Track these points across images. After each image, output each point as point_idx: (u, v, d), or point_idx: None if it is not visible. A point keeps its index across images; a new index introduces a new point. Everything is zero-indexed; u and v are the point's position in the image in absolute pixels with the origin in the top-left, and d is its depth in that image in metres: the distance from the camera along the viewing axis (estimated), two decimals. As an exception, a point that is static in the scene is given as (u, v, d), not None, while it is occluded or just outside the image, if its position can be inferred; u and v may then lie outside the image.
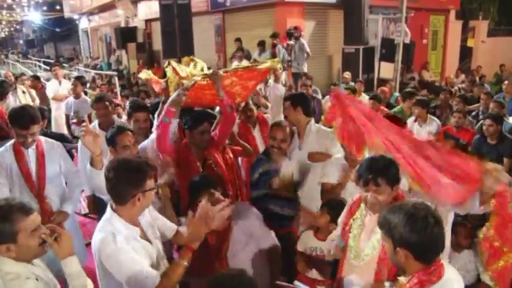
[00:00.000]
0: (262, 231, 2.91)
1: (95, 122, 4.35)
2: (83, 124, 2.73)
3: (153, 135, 3.54)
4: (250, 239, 2.83)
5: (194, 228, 2.14)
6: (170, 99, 3.33)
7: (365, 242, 2.41)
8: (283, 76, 10.11)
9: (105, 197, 2.82)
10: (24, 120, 3.15)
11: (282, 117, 3.96)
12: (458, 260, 3.68)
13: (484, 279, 3.22)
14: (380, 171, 2.29)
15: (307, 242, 3.18)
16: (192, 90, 3.52)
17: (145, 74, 4.97)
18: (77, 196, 3.71)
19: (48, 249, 2.04)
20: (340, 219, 2.67)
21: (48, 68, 13.95)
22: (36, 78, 9.69)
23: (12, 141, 3.40)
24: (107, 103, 4.41)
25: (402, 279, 1.94)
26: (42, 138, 3.50)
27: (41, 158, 3.40)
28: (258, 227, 2.89)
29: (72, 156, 4.61)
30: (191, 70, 3.84)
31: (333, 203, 3.07)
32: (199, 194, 2.71)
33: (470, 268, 3.70)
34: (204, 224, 2.12)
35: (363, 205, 2.49)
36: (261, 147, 4.28)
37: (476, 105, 7.46)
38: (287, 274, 3.26)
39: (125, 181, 2.11)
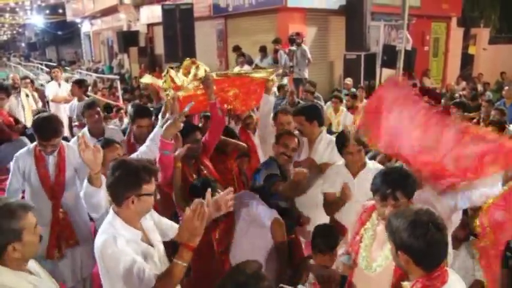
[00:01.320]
0: (264, 213, 2.96)
1: (85, 129, 4.27)
2: (80, 137, 2.54)
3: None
4: (252, 223, 2.93)
5: (189, 224, 2.10)
6: (164, 130, 3.04)
7: (377, 252, 2.38)
8: (285, 81, 10.15)
9: (96, 216, 2.78)
10: (47, 132, 3.22)
11: (271, 128, 4.01)
12: (457, 258, 3.65)
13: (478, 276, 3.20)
14: (398, 185, 2.25)
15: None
16: (186, 97, 3.55)
17: (147, 79, 4.88)
18: None
19: None
20: (350, 229, 2.64)
21: (49, 70, 14.01)
22: (30, 82, 9.71)
23: (33, 145, 3.43)
24: (98, 109, 4.37)
25: (406, 284, 1.94)
26: (64, 143, 3.50)
27: (61, 163, 3.41)
28: (261, 210, 2.97)
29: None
30: (190, 78, 3.78)
31: (319, 242, 2.91)
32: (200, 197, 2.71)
33: (469, 266, 3.66)
34: (198, 219, 2.07)
35: (374, 214, 2.45)
36: (261, 153, 4.30)
37: (476, 112, 7.46)
38: (291, 282, 3.24)
39: (120, 182, 2.14)
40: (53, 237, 3.38)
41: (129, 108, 5.41)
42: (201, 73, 3.74)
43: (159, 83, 4.07)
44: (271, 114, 4.12)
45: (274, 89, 9.69)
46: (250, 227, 3.00)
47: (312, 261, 2.95)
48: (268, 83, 3.90)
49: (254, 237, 2.96)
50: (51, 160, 3.39)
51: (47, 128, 3.22)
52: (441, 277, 1.83)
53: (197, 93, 3.74)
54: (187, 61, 3.88)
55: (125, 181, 2.13)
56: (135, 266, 2.06)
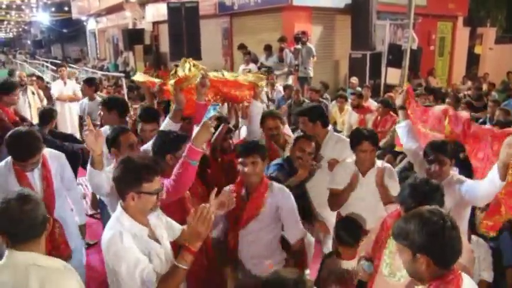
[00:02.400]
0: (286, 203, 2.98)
1: (106, 127, 4.16)
2: (85, 123, 2.69)
3: None
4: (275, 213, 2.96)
5: (193, 228, 2.11)
6: (194, 136, 2.61)
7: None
8: (290, 81, 10.14)
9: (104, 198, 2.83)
10: (22, 153, 2.93)
11: (259, 133, 3.97)
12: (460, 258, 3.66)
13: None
14: (424, 200, 2.19)
15: (336, 267, 3.06)
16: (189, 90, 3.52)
17: (140, 77, 4.65)
18: (82, 206, 3.68)
19: None
20: (372, 232, 2.65)
21: (55, 68, 14.02)
22: (39, 78, 9.74)
23: (10, 159, 3.07)
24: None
25: None
26: (46, 153, 3.23)
27: (48, 175, 3.17)
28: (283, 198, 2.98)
29: (79, 157, 4.62)
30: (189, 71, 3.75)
31: (343, 235, 3.01)
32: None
33: (474, 267, 3.67)
34: (203, 224, 2.09)
35: None
36: None
37: (482, 112, 7.44)
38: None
39: (122, 178, 2.19)
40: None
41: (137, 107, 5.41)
42: (197, 72, 3.65)
43: (155, 80, 4.04)
44: (259, 120, 4.04)
45: (290, 81, 9.79)
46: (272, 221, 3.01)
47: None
48: (257, 88, 3.83)
49: (259, 231, 2.97)
50: (36, 174, 3.12)
51: (20, 148, 2.90)
52: (455, 280, 1.81)
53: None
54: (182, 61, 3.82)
55: (126, 177, 2.18)
56: (139, 266, 2.07)
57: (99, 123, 4.47)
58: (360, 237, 2.95)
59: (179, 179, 2.61)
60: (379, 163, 3.38)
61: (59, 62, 16.10)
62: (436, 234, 1.78)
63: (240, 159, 2.94)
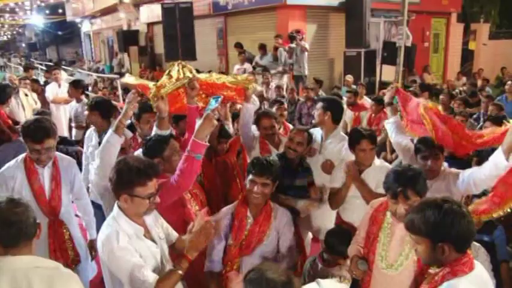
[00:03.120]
0: (287, 230, 2.90)
1: (91, 129, 4.23)
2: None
3: None
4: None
5: (195, 239, 2.24)
6: (197, 129, 2.60)
7: (395, 250, 2.41)
8: (286, 79, 10.16)
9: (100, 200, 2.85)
10: (38, 133, 2.88)
11: (253, 134, 3.99)
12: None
13: None
14: (408, 183, 2.30)
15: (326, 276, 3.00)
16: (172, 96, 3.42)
17: (131, 79, 4.42)
18: (93, 219, 3.52)
19: None
20: (361, 228, 2.67)
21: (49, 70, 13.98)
22: (34, 81, 9.70)
23: (23, 156, 3.07)
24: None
25: (433, 270, 1.98)
26: (58, 155, 3.20)
27: (57, 176, 3.10)
28: (286, 223, 2.90)
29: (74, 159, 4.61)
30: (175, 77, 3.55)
31: (331, 243, 3.03)
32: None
33: None
34: (203, 237, 2.22)
35: (388, 213, 2.48)
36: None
37: (476, 108, 7.46)
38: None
39: (116, 179, 2.20)
40: (52, 257, 2.99)
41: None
42: (187, 74, 3.50)
43: (145, 82, 3.96)
44: (252, 121, 4.04)
45: (285, 79, 9.80)
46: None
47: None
48: (247, 90, 3.74)
49: (263, 255, 2.88)
50: (46, 173, 3.06)
51: (37, 129, 2.89)
52: (469, 263, 1.85)
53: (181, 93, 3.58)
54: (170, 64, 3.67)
55: (119, 179, 2.19)
56: (134, 268, 2.09)
57: (85, 124, 4.45)
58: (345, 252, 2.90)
59: (183, 174, 2.57)
60: (377, 161, 3.40)
61: (51, 64, 16.04)
62: (458, 223, 1.83)
63: (250, 176, 2.78)
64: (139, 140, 3.92)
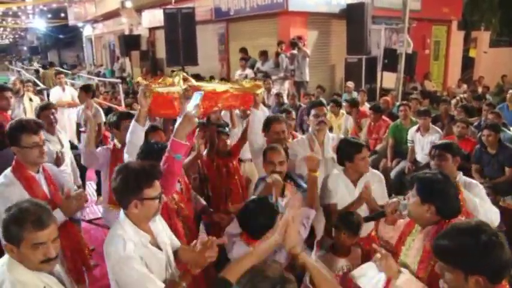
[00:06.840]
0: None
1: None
2: (82, 129, 2.86)
3: None
4: None
5: (199, 256, 2.25)
6: (176, 128, 2.51)
7: (411, 260, 2.35)
8: (287, 85, 10.20)
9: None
10: (34, 124, 2.83)
11: (260, 143, 3.74)
12: None
13: None
14: (438, 189, 2.25)
15: (330, 265, 2.96)
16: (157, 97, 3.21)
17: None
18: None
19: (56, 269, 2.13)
20: (399, 224, 2.61)
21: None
22: (33, 84, 9.75)
23: (8, 170, 2.85)
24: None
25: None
26: (46, 165, 3.08)
27: (52, 183, 3.00)
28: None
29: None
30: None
31: (346, 220, 3.01)
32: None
33: None
34: (205, 257, 2.22)
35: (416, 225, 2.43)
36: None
37: (476, 118, 7.47)
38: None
39: (123, 187, 2.17)
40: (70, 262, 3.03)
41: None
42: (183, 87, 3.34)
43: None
44: (261, 128, 3.83)
45: (286, 85, 9.80)
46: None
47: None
48: (256, 96, 3.61)
49: None
50: (42, 179, 2.94)
51: (29, 120, 2.87)
52: None
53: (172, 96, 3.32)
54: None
55: (126, 186, 2.16)
56: (140, 278, 2.09)
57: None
58: (359, 229, 2.97)
59: (164, 175, 2.43)
60: (372, 170, 3.42)
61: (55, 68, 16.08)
62: (497, 255, 1.66)
63: None
64: (119, 146, 3.79)
